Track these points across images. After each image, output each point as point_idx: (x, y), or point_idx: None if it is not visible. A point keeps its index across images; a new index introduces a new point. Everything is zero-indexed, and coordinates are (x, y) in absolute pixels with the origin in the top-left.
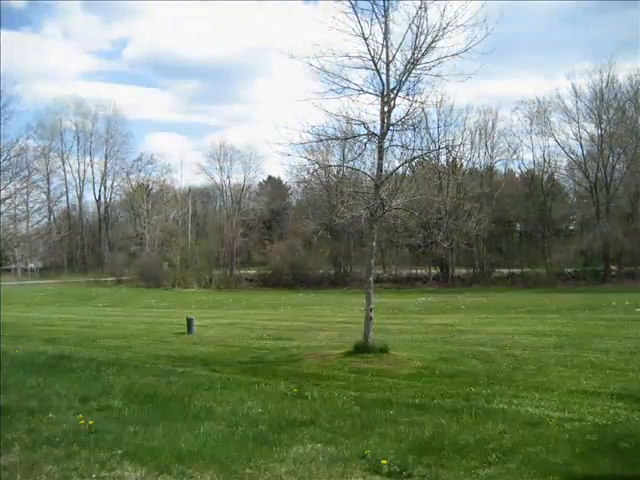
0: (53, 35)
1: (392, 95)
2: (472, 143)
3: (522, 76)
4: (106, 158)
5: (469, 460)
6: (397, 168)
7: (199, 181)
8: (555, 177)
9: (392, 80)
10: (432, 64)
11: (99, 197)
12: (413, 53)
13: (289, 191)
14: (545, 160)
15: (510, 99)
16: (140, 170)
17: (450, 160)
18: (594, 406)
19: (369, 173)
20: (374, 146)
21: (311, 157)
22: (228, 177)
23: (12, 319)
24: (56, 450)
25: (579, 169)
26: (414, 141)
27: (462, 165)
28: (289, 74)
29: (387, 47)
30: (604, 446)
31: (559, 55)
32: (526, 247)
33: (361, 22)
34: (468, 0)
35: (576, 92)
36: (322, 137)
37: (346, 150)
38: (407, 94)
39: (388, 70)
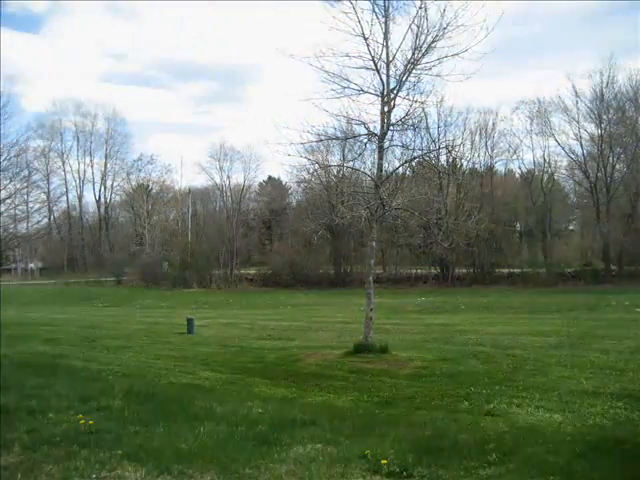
0: (54, 35)
1: (392, 95)
2: (472, 143)
3: (522, 76)
4: (106, 158)
5: (469, 460)
6: (397, 168)
7: (199, 181)
8: (555, 177)
9: (392, 80)
10: (432, 64)
11: (99, 197)
12: (413, 53)
13: (289, 191)
14: (545, 160)
15: (510, 99)
16: (140, 170)
17: (450, 160)
18: (594, 406)
19: (369, 173)
20: (374, 146)
21: (311, 157)
22: (228, 177)
23: (12, 319)
24: (56, 450)
25: (579, 169)
26: (414, 141)
27: (462, 165)
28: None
29: (387, 47)
30: (604, 446)
31: (559, 55)
32: (526, 247)
33: (361, 22)
34: (468, 0)
35: (576, 92)
36: (322, 137)
37: (346, 150)
38: (407, 94)
39: (388, 70)
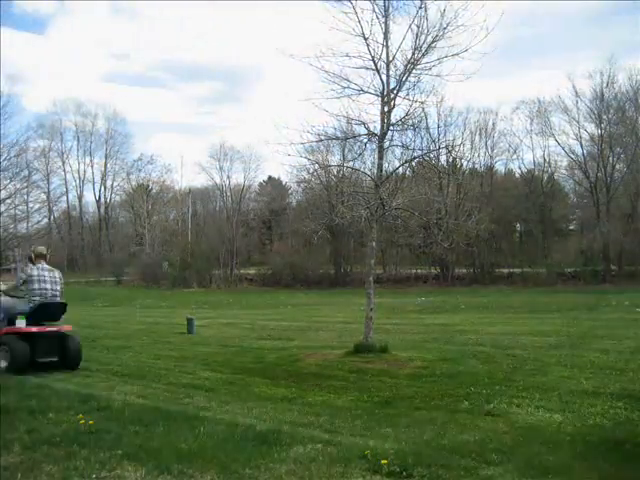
0: (56, 35)
1: (392, 95)
2: (472, 143)
3: (523, 76)
4: (106, 158)
5: (469, 460)
6: (397, 168)
7: (199, 181)
8: (555, 177)
9: (392, 80)
10: (432, 64)
11: (99, 197)
12: (413, 53)
13: (289, 191)
14: (545, 160)
15: (511, 99)
16: (140, 170)
17: (450, 160)
18: (594, 406)
19: (369, 173)
20: (374, 146)
21: (311, 157)
22: (228, 177)
23: None
24: (56, 450)
25: (579, 169)
26: (414, 141)
27: (462, 165)
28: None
29: (387, 47)
30: (605, 446)
31: (562, 56)
32: (526, 247)
33: (361, 22)
34: (468, 0)
35: (576, 92)
36: (322, 137)
37: (346, 150)
38: (407, 94)
39: (388, 70)
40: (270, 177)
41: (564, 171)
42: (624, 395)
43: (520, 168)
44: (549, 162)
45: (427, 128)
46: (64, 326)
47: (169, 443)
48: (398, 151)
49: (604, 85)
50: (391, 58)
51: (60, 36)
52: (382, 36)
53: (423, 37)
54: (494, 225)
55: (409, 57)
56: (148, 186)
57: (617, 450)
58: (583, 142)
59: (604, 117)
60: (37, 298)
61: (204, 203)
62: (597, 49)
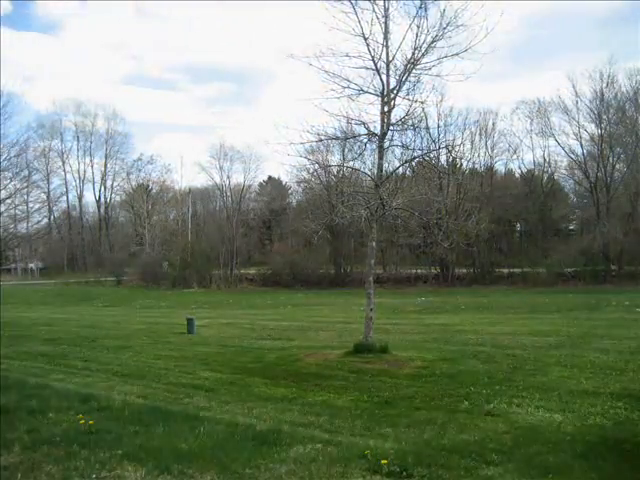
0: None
1: (392, 95)
2: (472, 143)
3: (522, 76)
4: (106, 158)
5: (469, 460)
6: (397, 168)
7: (199, 181)
8: (555, 177)
9: (392, 80)
10: (432, 64)
11: (99, 197)
12: (413, 53)
13: (289, 191)
14: (545, 160)
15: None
16: (140, 170)
17: (450, 160)
18: (594, 406)
19: (369, 173)
20: (374, 146)
21: (311, 157)
22: (228, 177)
23: (12, 319)
24: (56, 450)
25: (579, 169)
26: (414, 141)
27: (462, 165)
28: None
29: (387, 47)
30: (604, 446)
31: (560, 55)
32: (526, 247)
33: (361, 22)
34: (469, 0)
35: (576, 92)
36: (322, 137)
37: (346, 150)
38: (407, 94)
39: (388, 70)
40: (270, 177)
41: (564, 171)
42: (624, 395)
43: (520, 168)
44: (549, 162)
45: (427, 128)
46: None
47: (169, 443)
48: (398, 151)
49: (604, 85)
50: (391, 58)
51: (65, 37)
52: (382, 36)
53: (423, 37)
54: (494, 225)
55: (409, 57)
56: (148, 186)
57: (617, 450)
58: (583, 142)
59: (604, 117)
60: None
61: (204, 203)
62: (598, 51)
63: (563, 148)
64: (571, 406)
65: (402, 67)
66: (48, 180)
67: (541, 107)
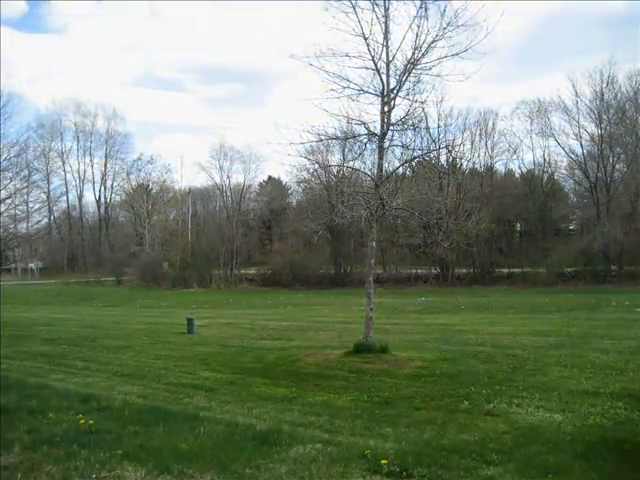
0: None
1: (392, 95)
2: (472, 143)
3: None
4: (106, 158)
5: (469, 460)
6: (397, 168)
7: (199, 181)
8: (555, 177)
9: (392, 80)
10: (432, 64)
11: (99, 197)
12: (413, 53)
13: (289, 191)
14: (545, 160)
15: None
16: (140, 170)
17: (450, 160)
18: (594, 406)
19: (369, 173)
20: (374, 146)
21: (311, 157)
22: (228, 177)
23: (12, 319)
24: (56, 450)
25: (579, 169)
26: (414, 141)
27: (462, 165)
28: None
29: (387, 47)
30: (604, 446)
31: (560, 55)
32: (526, 247)
33: (361, 22)
34: (468, 0)
35: (576, 92)
36: (322, 137)
37: (346, 150)
38: (407, 94)
39: (388, 70)
40: (270, 177)
41: (564, 171)
42: (624, 395)
43: (520, 168)
44: (549, 162)
45: (427, 128)
46: None
47: (169, 443)
48: (398, 151)
49: (604, 85)
50: (391, 58)
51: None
52: (382, 36)
53: (423, 37)
54: (494, 225)
55: (409, 57)
56: (148, 186)
57: (617, 450)
58: (583, 142)
59: (604, 117)
60: None
61: (204, 203)
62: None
63: (563, 148)
64: (571, 406)
65: (402, 67)
66: (48, 180)
67: (541, 107)
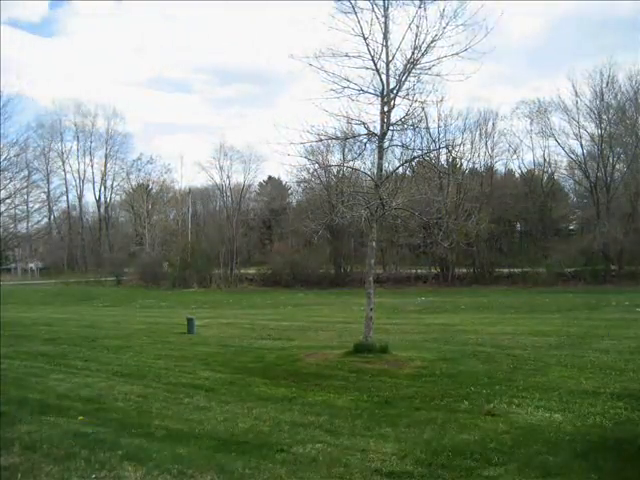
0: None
1: (392, 95)
2: (472, 143)
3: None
4: (106, 158)
5: (469, 460)
6: (397, 168)
7: (199, 181)
8: (555, 177)
9: (392, 80)
10: (432, 64)
11: (99, 197)
12: (413, 53)
13: (289, 191)
14: (545, 160)
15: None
16: (140, 170)
17: (450, 160)
18: (594, 406)
19: (369, 173)
20: (374, 146)
21: (311, 157)
22: (228, 177)
23: (12, 319)
24: (56, 450)
25: (579, 169)
26: (414, 141)
27: (462, 165)
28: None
29: (387, 47)
30: (604, 446)
31: (559, 55)
32: (526, 247)
33: (361, 22)
34: (468, 0)
35: (576, 92)
36: (322, 137)
37: (346, 150)
38: (407, 94)
39: (388, 70)
40: (270, 177)
41: (564, 171)
42: (624, 395)
43: (520, 168)
44: (549, 162)
45: (427, 128)
46: None
47: (169, 443)
48: (398, 151)
49: (604, 85)
50: (391, 58)
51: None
52: (382, 36)
53: (423, 37)
54: (494, 225)
55: (409, 57)
56: (148, 186)
57: (617, 450)
58: (583, 142)
59: (604, 117)
60: None
61: (204, 203)
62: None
63: (563, 148)
64: (571, 406)
65: (402, 67)
66: (48, 180)
67: (541, 107)
